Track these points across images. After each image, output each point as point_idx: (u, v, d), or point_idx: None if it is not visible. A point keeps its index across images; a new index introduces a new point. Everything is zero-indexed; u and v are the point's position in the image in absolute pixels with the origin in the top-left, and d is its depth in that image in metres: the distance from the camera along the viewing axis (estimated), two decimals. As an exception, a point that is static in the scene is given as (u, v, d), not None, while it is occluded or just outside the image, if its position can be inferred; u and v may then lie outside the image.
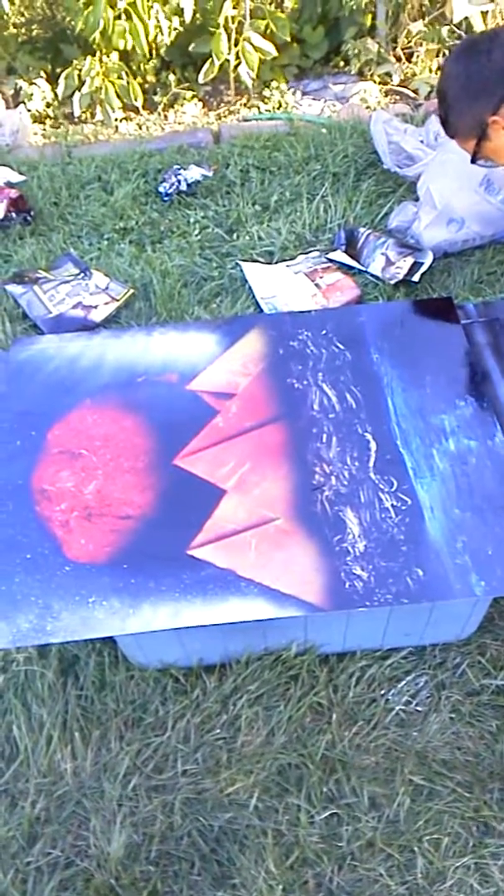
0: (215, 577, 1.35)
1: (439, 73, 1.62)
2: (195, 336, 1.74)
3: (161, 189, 2.86)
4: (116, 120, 3.40)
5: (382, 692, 1.63)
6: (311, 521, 1.42)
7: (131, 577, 1.36)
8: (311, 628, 1.58)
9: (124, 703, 1.63)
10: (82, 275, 2.50)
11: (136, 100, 3.34)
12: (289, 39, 3.39)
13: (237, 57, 3.27)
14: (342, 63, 3.67)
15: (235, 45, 3.24)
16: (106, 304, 2.42)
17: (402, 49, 3.58)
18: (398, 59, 3.58)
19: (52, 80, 3.45)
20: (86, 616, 1.32)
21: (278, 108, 3.43)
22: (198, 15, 3.29)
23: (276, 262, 2.56)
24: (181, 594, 1.33)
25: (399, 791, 1.51)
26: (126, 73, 3.33)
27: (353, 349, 1.70)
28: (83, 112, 3.40)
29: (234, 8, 3.17)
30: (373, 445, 1.53)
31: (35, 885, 1.44)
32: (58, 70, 3.42)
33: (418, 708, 1.61)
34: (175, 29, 3.31)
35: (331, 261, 2.53)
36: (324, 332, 1.73)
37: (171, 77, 3.52)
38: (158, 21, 3.22)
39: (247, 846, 1.46)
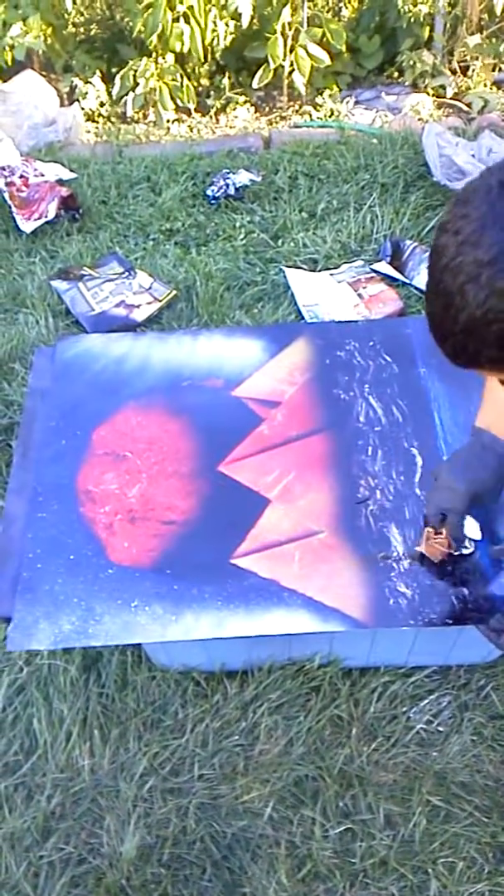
0: (258, 587, 1.33)
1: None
2: (241, 342, 1.73)
3: (209, 192, 2.87)
4: (168, 121, 3.42)
5: (404, 710, 1.61)
6: (355, 536, 1.40)
7: (174, 583, 1.34)
8: (337, 641, 1.57)
9: (144, 703, 1.63)
10: (126, 274, 2.52)
11: (188, 102, 3.37)
12: (344, 49, 3.39)
13: (291, 64, 3.27)
14: (396, 74, 3.66)
15: (291, 51, 3.24)
16: (148, 303, 2.43)
17: (458, 62, 3.56)
18: (453, 72, 3.56)
19: (108, 79, 3.48)
20: (128, 620, 1.30)
21: (330, 116, 3.43)
22: (255, 20, 3.30)
23: (320, 270, 2.56)
24: (224, 603, 1.31)
25: (416, 811, 1.49)
26: (181, 75, 3.36)
27: (400, 362, 1.67)
28: (136, 112, 3.43)
29: (291, 15, 3.18)
30: (419, 460, 1.50)
31: (47, 880, 1.44)
32: (113, 70, 3.46)
33: (440, 728, 1.59)
34: (231, 33, 3.33)
35: (375, 271, 2.52)
36: (371, 343, 1.71)
37: (225, 81, 3.53)
38: (215, 25, 3.24)
39: (259, 856, 1.46)
